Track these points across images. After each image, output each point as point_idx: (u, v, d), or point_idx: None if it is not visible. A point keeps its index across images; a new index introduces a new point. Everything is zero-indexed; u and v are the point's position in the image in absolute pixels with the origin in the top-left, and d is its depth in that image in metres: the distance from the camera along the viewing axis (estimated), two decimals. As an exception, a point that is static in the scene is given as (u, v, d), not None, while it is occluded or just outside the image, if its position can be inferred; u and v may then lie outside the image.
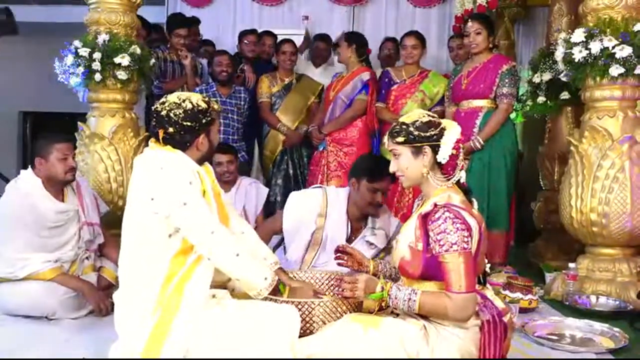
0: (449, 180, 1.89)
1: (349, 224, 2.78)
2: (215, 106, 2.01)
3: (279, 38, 5.01)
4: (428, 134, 1.85)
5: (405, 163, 1.90)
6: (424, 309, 1.79)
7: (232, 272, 1.92)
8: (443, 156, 1.85)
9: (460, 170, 1.90)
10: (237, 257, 1.87)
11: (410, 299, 1.79)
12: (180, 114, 1.91)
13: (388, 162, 2.05)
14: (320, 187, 3.02)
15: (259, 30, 5.00)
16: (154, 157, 1.94)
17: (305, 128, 4.34)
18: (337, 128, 4.06)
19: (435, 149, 1.86)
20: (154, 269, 1.87)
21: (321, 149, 4.09)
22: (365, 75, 4.09)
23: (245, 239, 2.16)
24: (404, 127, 1.88)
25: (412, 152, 1.88)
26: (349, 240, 2.76)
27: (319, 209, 2.76)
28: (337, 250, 2.20)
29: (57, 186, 2.76)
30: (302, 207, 2.83)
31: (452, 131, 1.87)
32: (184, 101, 1.94)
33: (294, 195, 2.90)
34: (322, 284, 2.25)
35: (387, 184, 2.67)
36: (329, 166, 4.05)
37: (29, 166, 2.78)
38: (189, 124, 1.92)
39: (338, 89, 4.10)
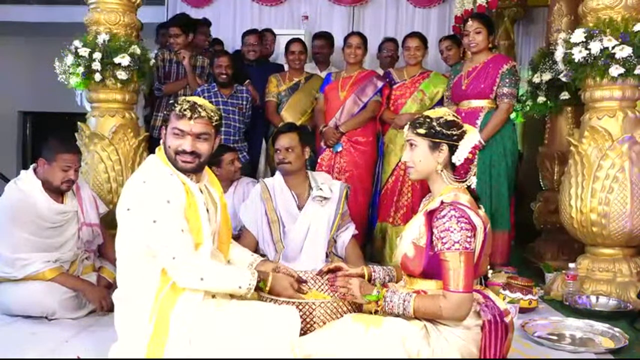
0: (460, 183, 1.90)
1: (293, 192, 3.06)
2: (177, 108, 1.93)
3: (279, 38, 5.01)
4: (449, 132, 1.87)
5: (419, 155, 1.90)
6: (419, 312, 1.80)
7: (204, 290, 1.90)
8: (459, 157, 1.87)
9: (473, 175, 1.91)
10: (202, 280, 1.85)
11: (405, 300, 1.80)
12: None
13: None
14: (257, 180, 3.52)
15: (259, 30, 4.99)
16: (143, 167, 1.99)
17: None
18: (354, 128, 4.00)
19: (452, 149, 1.87)
20: (145, 282, 1.89)
21: (339, 149, 3.99)
22: (381, 79, 4.09)
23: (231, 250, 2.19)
24: (427, 120, 1.90)
25: (429, 146, 1.89)
26: (300, 206, 3.02)
27: (261, 194, 3.07)
28: (321, 273, 2.22)
29: (55, 190, 2.76)
30: (248, 202, 3.17)
31: (472, 135, 1.89)
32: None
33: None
34: (322, 283, 2.25)
35: (283, 142, 3.01)
36: (343, 167, 3.98)
37: (30, 166, 2.78)
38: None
39: (349, 89, 4.06)
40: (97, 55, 3.38)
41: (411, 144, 1.92)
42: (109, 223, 3.06)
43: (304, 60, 4.49)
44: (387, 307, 1.83)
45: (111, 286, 2.86)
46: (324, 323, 1.88)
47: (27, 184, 2.71)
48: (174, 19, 4.66)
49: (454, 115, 1.93)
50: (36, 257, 2.63)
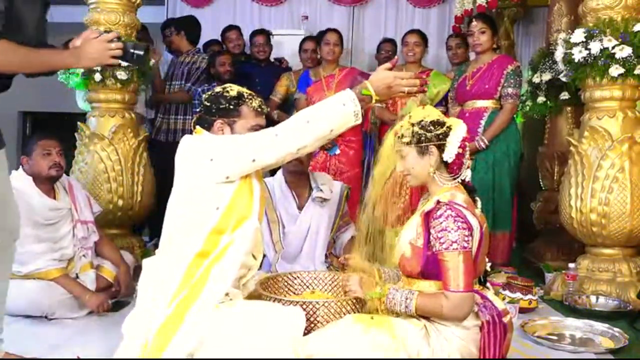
0: (455, 179, 1.89)
1: (293, 193, 3.00)
2: (255, 103, 1.97)
3: (279, 38, 4.99)
4: (433, 133, 1.85)
5: (411, 163, 1.90)
6: (421, 310, 1.79)
7: (320, 133, 1.84)
8: (449, 155, 1.85)
9: (466, 169, 1.90)
10: (308, 123, 1.82)
11: (407, 298, 1.80)
12: (207, 94, 2.03)
13: None
14: None
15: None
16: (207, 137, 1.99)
17: None
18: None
19: (441, 148, 1.86)
20: (188, 242, 1.86)
21: (337, 152, 3.95)
22: (364, 75, 4.06)
23: None
24: (409, 127, 1.88)
25: (418, 152, 1.87)
26: (300, 206, 2.98)
27: None
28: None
29: (47, 183, 2.75)
30: None
31: (457, 129, 1.86)
32: (222, 88, 2.02)
33: None
34: (326, 284, 2.25)
35: None
36: (339, 168, 3.95)
37: (20, 167, 2.78)
38: (207, 103, 1.98)
39: (336, 89, 4.00)
40: (97, 55, 3.38)
41: (401, 155, 1.91)
42: (105, 224, 3.06)
43: (317, 60, 4.44)
44: (389, 305, 1.82)
45: (111, 286, 2.86)
46: (327, 323, 1.88)
47: (18, 181, 2.70)
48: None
49: (435, 114, 1.91)
50: (43, 248, 2.63)
